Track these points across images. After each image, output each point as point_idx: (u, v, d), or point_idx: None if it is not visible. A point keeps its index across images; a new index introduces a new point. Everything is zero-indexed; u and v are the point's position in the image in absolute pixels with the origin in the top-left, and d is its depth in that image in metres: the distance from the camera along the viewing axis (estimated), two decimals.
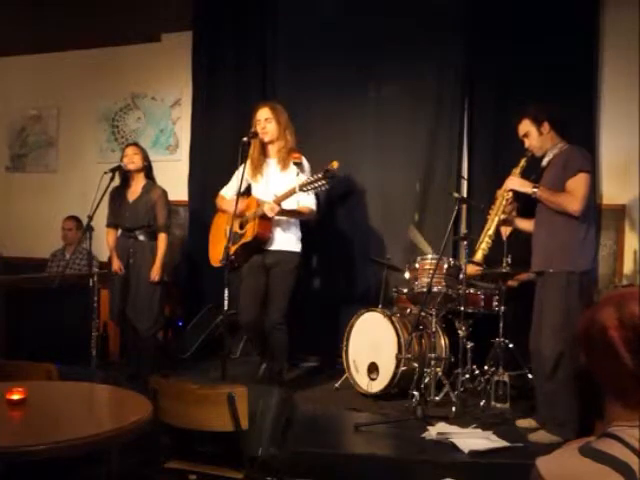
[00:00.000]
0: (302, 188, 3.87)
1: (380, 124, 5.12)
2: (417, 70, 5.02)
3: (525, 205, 3.76)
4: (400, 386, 4.14)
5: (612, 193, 4.66)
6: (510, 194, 3.65)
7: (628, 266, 4.61)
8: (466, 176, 4.92)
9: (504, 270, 4.04)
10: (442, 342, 4.30)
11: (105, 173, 4.27)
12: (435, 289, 4.03)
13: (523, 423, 3.64)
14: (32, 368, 2.68)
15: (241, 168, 4.00)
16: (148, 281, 4.48)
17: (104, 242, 4.75)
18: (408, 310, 4.47)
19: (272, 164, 4.23)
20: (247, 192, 4.29)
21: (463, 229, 4.68)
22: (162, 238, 4.55)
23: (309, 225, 4.47)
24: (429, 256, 4.25)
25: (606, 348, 1.16)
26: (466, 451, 3.17)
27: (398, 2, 5.05)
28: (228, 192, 4.34)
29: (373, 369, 4.23)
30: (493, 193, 3.78)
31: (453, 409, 3.77)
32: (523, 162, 3.66)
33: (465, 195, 4.75)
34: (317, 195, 4.27)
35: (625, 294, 1.19)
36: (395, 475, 3.16)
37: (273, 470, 2.59)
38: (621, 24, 4.61)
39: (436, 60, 4.99)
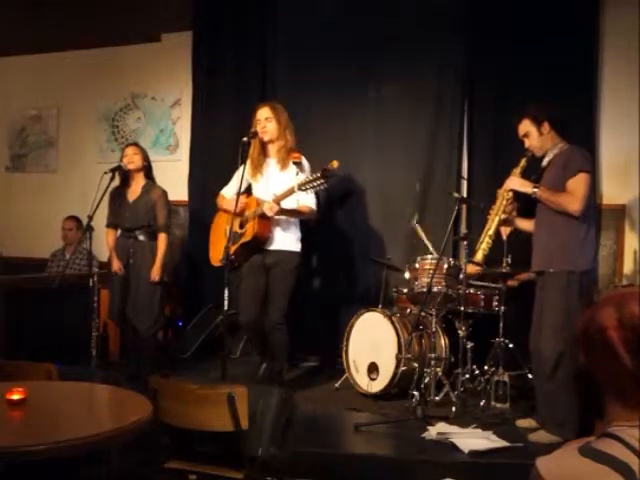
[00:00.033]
0: (301, 187, 3.87)
1: (380, 124, 5.12)
2: (417, 70, 5.02)
3: (525, 205, 3.76)
4: (400, 386, 4.14)
5: (612, 193, 4.66)
6: (510, 194, 3.65)
7: (628, 266, 4.61)
8: (466, 176, 4.92)
9: (504, 270, 4.05)
10: (442, 342, 4.30)
11: (105, 173, 4.27)
12: (435, 289, 4.03)
13: (523, 423, 3.64)
14: (32, 368, 2.68)
15: (241, 168, 4.00)
16: (148, 281, 4.48)
17: (104, 242, 4.75)
18: (408, 310, 4.47)
19: (272, 164, 4.23)
20: (248, 192, 4.29)
21: (463, 229, 4.68)
22: (162, 238, 4.55)
23: (309, 225, 4.47)
24: (429, 256, 4.25)
25: (605, 348, 1.16)
26: (466, 451, 3.17)
27: (398, 2, 5.06)
28: (228, 192, 4.34)
29: (373, 369, 4.23)
30: (493, 193, 3.78)
31: (453, 409, 3.77)
32: (523, 162, 3.66)
33: (465, 195, 4.75)
34: (317, 195, 4.28)
35: (625, 294, 1.19)
36: (395, 475, 3.16)
37: (273, 470, 2.59)
38: (621, 24, 4.61)
39: (436, 60, 4.98)
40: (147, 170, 4.63)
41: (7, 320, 4.42)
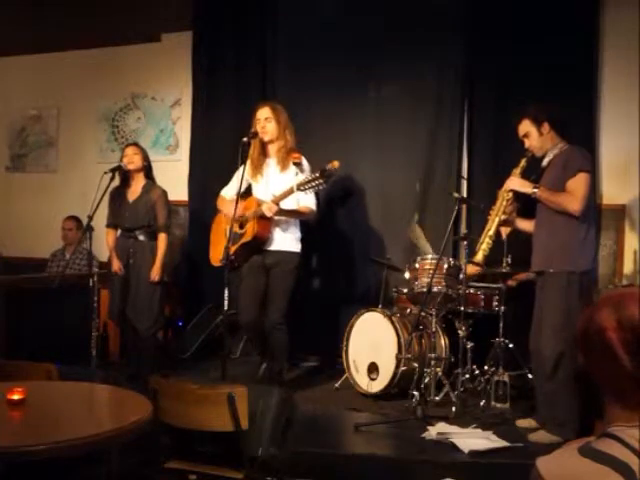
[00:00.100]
0: (300, 187, 3.88)
1: (380, 124, 5.12)
2: (417, 70, 5.02)
3: (525, 205, 3.76)
4: (400, 386, 4.14)
5: (612, 193, 4.66)
6: (510, 194, 3.65)
7: (628, 266, 4.61)
8: (466, 176, 4.92)
9: (504, 270, 4.05)
10: (442, 342, 4.30)
11: (105, 173, 4.27)
12: (435, 289, 4.03)
13: (523, 423, 3.64)
14: (32, 368, 2.68)
15: (241, 168, 4.00)
16: (148, 281, 4.48)
17: (104, 242, 4.75)
18: (408, 310, 4.47)
19: (272, 164, 4.23)
20: (248, 192, 4.29)
21: (463, 229, 4.67)
22: (162, 238, 4.55)
23: (309, 225, 4.48)
24: (429, 256, 4.25)
25: (604, 349, 1.16)
26: (466, 451, 3.17)
27: (398, 2, 5.05)
28: (228, 192, 4.34)
29: (373, 369, 4.23)
30: (493, 193, 3.78)
31: (453, 409, 3.77)
32: (523, 162, 3.66)
33: (465, 195, 4.75)
34: (317, 195, 4.28)
35: (624, 295, 1.19)
36: (395, 475, 3.16)
37: (273, 470, 2.59)
38: (621, 24, 4.60)
39: (436, 60, 4.98)
40: (147, 170, 4.63)
41: (7, 320, 4.42)
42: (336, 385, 4.45)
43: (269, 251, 4.15)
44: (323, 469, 3.11)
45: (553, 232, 3.50)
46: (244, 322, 4.20)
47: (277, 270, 4.14)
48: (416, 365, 4.13)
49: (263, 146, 4.22)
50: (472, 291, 4.25)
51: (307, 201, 4.15)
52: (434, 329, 4.17)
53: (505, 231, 3.95)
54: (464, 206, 4.69)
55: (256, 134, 4.13)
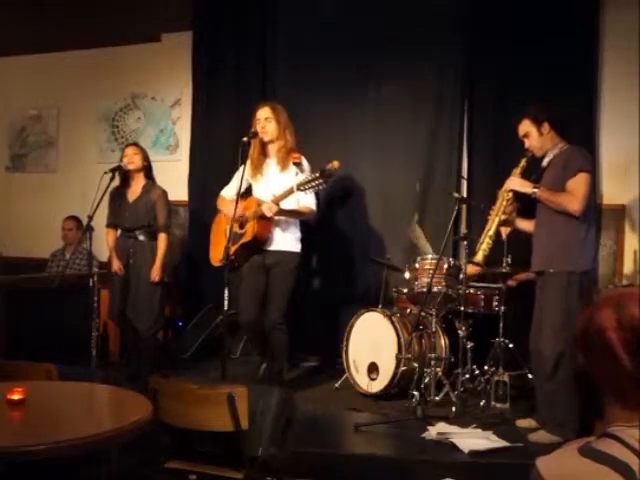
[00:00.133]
0: (299, 188, 3.88)
1: (380, 124, 5.12)
2: (417, 70, 5.02)
3: (525, 205, 3.76)
4: (400, 386, 4.14)
5: (612, 193, 4.66)
6: (510, 194, 3.65)
7: (628, 266, 4.61)
8: (466, 176, 4.92)
9: (504, 270, 4.05)
10: (442, 342, 4.30)
11: (105, 173, 4.27)
12: (435, 289, 4.03)
13: (523, 423, 3.64)
14: (32, 368, 2.68)
15: (241, 168, 4.00)
16: (148, 281, 4.48)
17: (104, 242, 4.75)
18: (408, 310, 4.47)
19: (272, 164, 4.23)
20: (248, 192, 4.29)
21: (463, 229, 4.67)
22: (162, 238, 4.55)
23: (309, 225, 4.48)
24: (429, 256, 4.25)
25: (604, 349, 1.15)
26: (466, 451, 3.17)
27: (398, 2, 5.05)
28: (228, 192, 4.34)
29: (373, 369, 4.23)
30: (493, 193, 3.78)
31: (453, 409, 3.77)
32: (523, 162, 3.66)
33: (465, 195, 4.75)
34: (317, 195, 4.28)
35: (624, 295, 1.19)
36: (395, 475, 3.16)
37: (273, 470, 2.59)
38: (621, 24, 4.60)
39: (436, 60, 4.98)
40: (147, 170, 4.63)
41: (7, 320, 4.42)
42: (336, 385, 4.45)
43: (269, 251, 4.15)
44: (323, 469, 3.11)
45: (553, 232, 3.50)
46: (244, 322, 4.20)
47: (277, 270, 4.14)
48: (416, 365, 4.13)
49: (263, 146, 4.22)
50: (472, 291, 4.25)
51: (307, 201, 4.15)
52: (434, 329, 4.17)
53: (505, 231, 3.95)
54: (464, 206, 4.69)
55: (256, 134, 4.13)
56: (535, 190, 3.51)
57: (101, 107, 6.18)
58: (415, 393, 3.86)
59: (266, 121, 4.15)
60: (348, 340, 4.42)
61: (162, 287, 4.58)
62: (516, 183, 3.62)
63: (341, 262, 5.23)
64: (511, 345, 4.14)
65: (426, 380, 4.02)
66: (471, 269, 4.02)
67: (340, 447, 3.51)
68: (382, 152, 5.11)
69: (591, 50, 4.63)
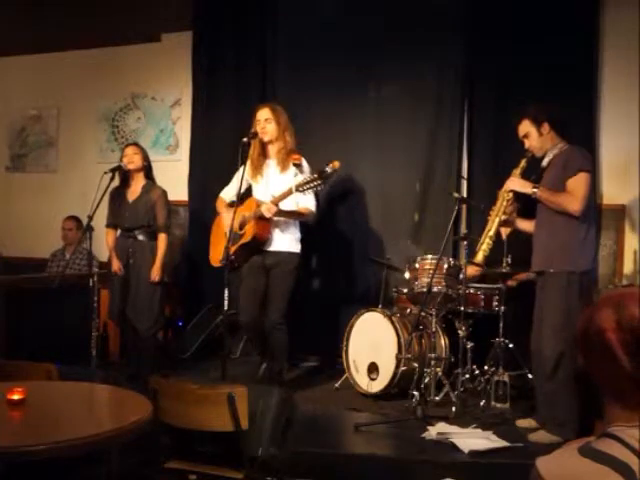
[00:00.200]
0: (298, 188, 3.89)
1: (380, 124, 5.12)
2: (417, 70, 5.02)
3: (525, 205, 3.76)
4: (400, 386, 4.14)
5: (612, 193, 4.66)
6: (511, 195, 3.65)
7: (628, 266, 4.61)
8: (466, 176, 4.92)
9: (504, 270, 4.05)
10: (442, 342, 4.30)
11: (105, 173, 4.27)
12: (435, 289, 4.03)
13: (523, 423, 3.64)
14: (32, 368, 2.68)
15: (241, 169, 4.00)
16: (148, 281, 4.48)
17: (104, 242, 4.75)
18: (408, 310, 4.47)
19: (272, 165, 4.23)
20: (248, 193, 4.29)
21: (463, 229, 4.67)
22: (162, 238, 4.55)
23: (309, 225, 4.47)
24: (429, 256, 4.25)
25: (604, 350, 1.15)
26: (466, 451, 3.17)
27: (398, 2, 5.05)
28: (229, 193, 4.35)
29: (373, 369, 4.23)
30: (493, 193, 3.78)
31: (453, 409, 3.77)
32: (523, 163, 3.66)
33: (465, 195, 4.75)
34: (317, 196, 4.28)
35: (624, 295, 1.19)
36: (395, 475, 3.16)
37: (273, 470, 2.59)
38: (621, 24, 4.60)
39: (436, 60, 4.98)
40: (147, 170, 4.63)
41: (7, 320, 4.42)
42: (336, 385, 4.45)
43: (269, 252, 4.15)
44: (323, 469, 3.11)
45: (553, 232, 3.50)
46: (244, 322, 4.20)
47: (277, 271, 4.15)
48: (416, 365, 4.13)
49: (263, 147, 4.22)
50: (472, 291, 4.25)
51: (306, 202, 4.15)
52: (434, 329, 4.17)
53: (505, 231, 3.95)
54: (464, 206, 4.69)
55: (256, 134, 4.13)
56: (535, 190, 3.51)
57: (101, 107, 6.18)
58: (415, 393, 3.86)
59: (266, 122, 4.15)
60: (348, 340, 4.42)
61: (162, 287, 4.58)
62: (516, 183, 3.62)
63: (341, 262, 5.23)
64: (511, 345, 4.13)
65: (426, 380, 4.02)
66: (472, 270, 4.02)
67: (340, 447, 3.51)
68: (382, 152, 5.11)
69: (591, 50, 4.63)
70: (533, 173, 3.67)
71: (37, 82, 6.41)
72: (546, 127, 3.56)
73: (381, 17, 5.06)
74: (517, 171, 3.66)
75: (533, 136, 3.60)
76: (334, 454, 3.29)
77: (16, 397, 2.16)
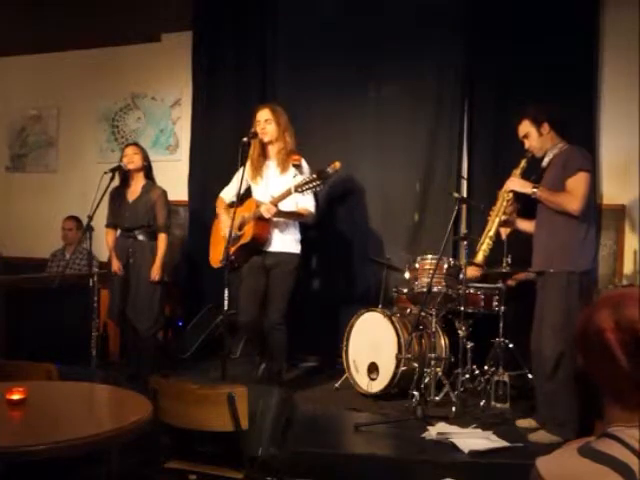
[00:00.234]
0: (297, 189, 3.89)
1: (380, 124, 5.12)
2: (417, 70, 5.02)
3: (525, 206, 3.76)
4: (400, 386, 4.14)
5: (612, 193, 4.66)
6: (511, 195, 3.65)
7: (628, 266, 4.61)
8: (466, 176, 4.92)
9: (504, 270, 4.05)
10: (442, 342, 4.30)
11: (105, 173, 4.27)
12: (435, 289, 4.03)
13: (523, 423, 3.64)
14: (32, 368, 2.68)
15: (241, 169, 4.00)
16: (148, 281, 4.48)
17: (104, 242, 4.75)
18: (408, 310, 4.47)
19: (272, 166, 4.23)
20: (248, 194, 4.29)
21: (463, 229, 4.67)
22: (162, 238, 4.55)
23: (309, 225, 4.47)
24: (429, 256, 4.25)
25: (603, 350, 1.15)
26: (466, 451, 3.17)
27: (398, 2, 5.06)
28: (228, 193, 4.35)
29: (373, 369, 4.23)
30: (493, 193, 3.78)
31: (453, 409, 3.77)
32: (523, 163, 3.66)
33: (465, 195, 4.75)
34: (316, 196, 4.28)
35: (623, 295, 1.19)
36: (395, 475, 3.16)
37: (273, 470, 2.59)
38: (621, 24, 4.60)
39: (436, 60, 4.98)
40: (147, 170, 4.63)
41: (7, 320, 4.42)
42: (336, 385, 4.45)
43: (269, 252, 4.15)
44: (323, 469, 3.11)
45: (553, 232, 3.50)
46: (244, 322, 4.20)
47: (277, 271, 4.15)
48: (416, 365, 4.13)
49: (263, 147, 4.22)
50: (472, 291, 4.25)
51: (306, 203, 4.15)
52: (434, 329, 4.17)
53: (505, 231, 3.95)
54: (464, 206, 4.69)
55: (256, 134, 4.13)
56: (535, 190, 3.51)
57: (101, 107, 6.18)
58: (415, 393, 3.86)
59: (266, 123, 4.15)
60: (348, 340, 4.42)
61: (162, 287, 4.59)
62: (516, 184, 3.62)
63: (341, 262, 5.23)
64: (511, 345, 4.14)
65: (426, 380, 4.02)
66: (472, 271, 4.02)
67: (340, 447, 3.51)
68: (382, 152, 5.11)
69: (591, 50, 4.63)
70: (533, 173, 3.67)
71: (37, 82, 6.41)
72: (546, 127, 3.57)
73: (381, 17, 5.05)
74: (517, 171, 3.66)
75: (533, 136, 3.60)
76: (334, 454, 3.29)
77: (16, 397, 2.16)
